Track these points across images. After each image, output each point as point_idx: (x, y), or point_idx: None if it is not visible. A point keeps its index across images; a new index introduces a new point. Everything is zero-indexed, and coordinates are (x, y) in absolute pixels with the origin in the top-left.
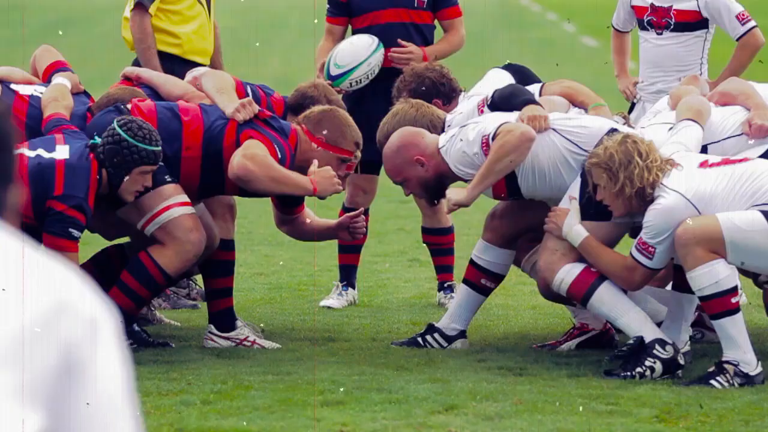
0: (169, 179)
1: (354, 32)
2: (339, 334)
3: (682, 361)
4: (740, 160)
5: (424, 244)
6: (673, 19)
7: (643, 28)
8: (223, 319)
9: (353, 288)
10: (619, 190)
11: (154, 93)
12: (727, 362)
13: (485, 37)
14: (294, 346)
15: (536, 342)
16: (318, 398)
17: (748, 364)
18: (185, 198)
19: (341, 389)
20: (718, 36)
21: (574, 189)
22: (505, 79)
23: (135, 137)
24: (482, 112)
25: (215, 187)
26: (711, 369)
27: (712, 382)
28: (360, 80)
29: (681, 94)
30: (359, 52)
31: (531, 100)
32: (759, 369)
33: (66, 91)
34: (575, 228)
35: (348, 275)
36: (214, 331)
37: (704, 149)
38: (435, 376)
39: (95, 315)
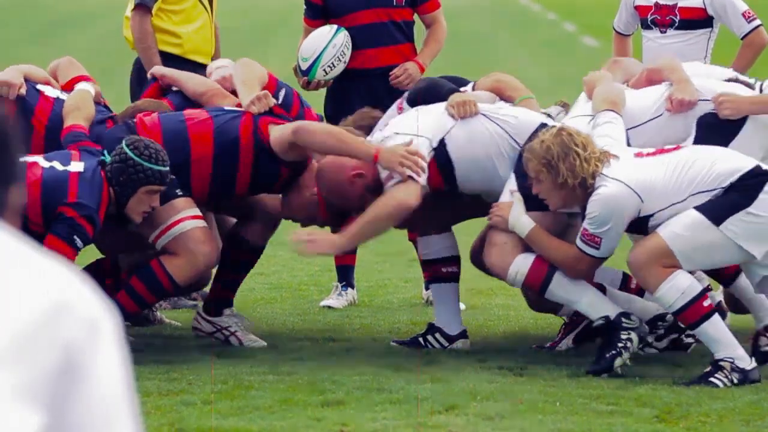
0: (180, 192)
1: None
2: (339, 334)
3: (646, 329)
4: (674, 149)
5: (410, 242)
6: (678, 17)
7: (646, 27)
8: (215, 304)
9: (352, 288)
10: (562, 182)
11: (184, 99)
12: (722, 360)
13: (485, 37)
14: (294, 346)
15: (536, 342)
16: (318, 398)
17: (742, 360)
18: (197, 211)
19: (341, 389)
20: (721, 36)
21: (512, 183)
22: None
23: (141, 156)
24: (401, 109)
25: (225, 191)
26: (708, 369)
27: (712, 380)
28: (333, 64)
29: (594, 81)
30: (319, 40)
31: (455, 89)
32: (753, 363)
33: (89, 99)
34: (522, 219)
35: (346, 275)
36: (202, 312)
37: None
38: (435, 376)
39: (95, 315)
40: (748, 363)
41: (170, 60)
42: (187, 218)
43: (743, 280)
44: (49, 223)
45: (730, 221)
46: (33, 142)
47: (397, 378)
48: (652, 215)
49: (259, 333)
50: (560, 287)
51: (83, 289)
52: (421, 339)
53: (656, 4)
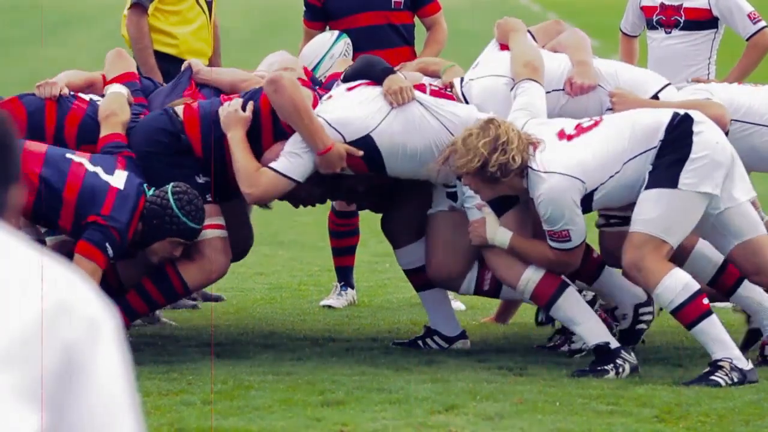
0: (209, 198)
1: None
2: (339, 334)
3: (639, 371)
4: (593, 125)
5: None
6: (683, 17)
7: (651, 27)
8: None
9: (352, 288)
10: (476, 171)
11: (217, 93)
12: (721, 360)
13: (485, 36)
14: (294, 345)
15: (536, 342)
16: (318, 398)
17: (739, 360)
18: (221, 221)
19: (341, 389)
20: (726, 36)
21: (476, 198)
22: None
23: (181, 209)
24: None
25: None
26: (707, 369)
27: (713, 378)
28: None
29: (508, 27)
30: (318, 49)
31: (389, 69)
32: (750, 365)
33: (124, 103)
34: (499, 231)
35: (345, 276)
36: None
37: None
38: (435, 376)
39: (95, 315)
40: (745, 364)
41: (166, 60)
42: (210, 226)
43: (744, 290)
44: (77, 226)
45: (683, 176)
46: (64, 141)
47: (396, 378)
48: (595, 189)
49: (259, 333)
50: (567, 305)
51: (83, 289)
52: (420, 342)
53: (661, 5)
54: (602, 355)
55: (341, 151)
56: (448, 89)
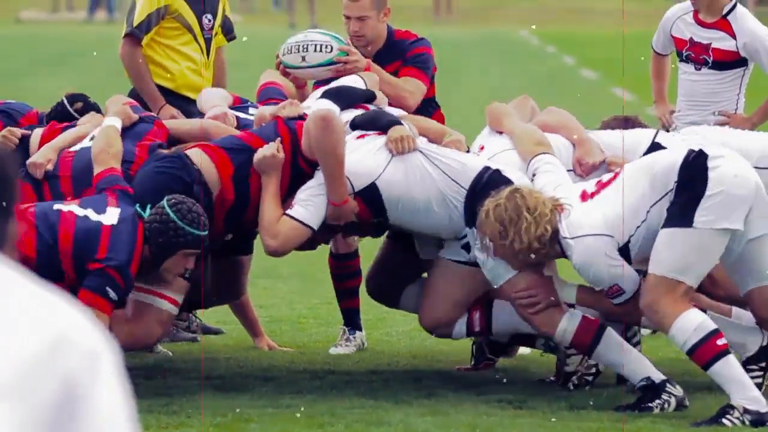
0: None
1: None
2: (339, 367)
3: (686, 403)
4: (613, 179)
5: None
6: (711, 57)
7: (682, 60)
8: None
9: (360, 330)
10: (509, 245)
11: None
12: (734, 405)
13: (485, 69)
14: (294, 378)
15: (536, 375)
16: (318, 431)
17: (755, 402)
18: (180, 298)
19: (341, 422)
20: (756, 70)
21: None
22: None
23: (183, 219)
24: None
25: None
26: (717, 411)
27: (723, 421)
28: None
29: (498, 113)
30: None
31: (395, 121)
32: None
33: (115, 136)
34: (565, 288)
35: (351, 319)
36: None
37: None
38: (435, 409)
39: (95, 348)
40: (763, 405)
41: (163, 93)
42: (168, 298)
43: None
44: (81, 276)
45: (698, 214)
46: (61, 190)
47: (396, 411)
48: (628, 242)
49: (258, 366)
50: (608, 350)
51: (83, 321)
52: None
53: (691, 40)
54: (648, 392)
55: (353, 205)
56: None
